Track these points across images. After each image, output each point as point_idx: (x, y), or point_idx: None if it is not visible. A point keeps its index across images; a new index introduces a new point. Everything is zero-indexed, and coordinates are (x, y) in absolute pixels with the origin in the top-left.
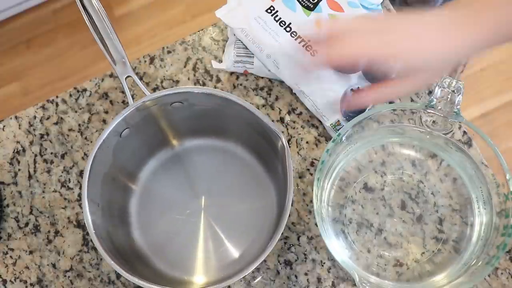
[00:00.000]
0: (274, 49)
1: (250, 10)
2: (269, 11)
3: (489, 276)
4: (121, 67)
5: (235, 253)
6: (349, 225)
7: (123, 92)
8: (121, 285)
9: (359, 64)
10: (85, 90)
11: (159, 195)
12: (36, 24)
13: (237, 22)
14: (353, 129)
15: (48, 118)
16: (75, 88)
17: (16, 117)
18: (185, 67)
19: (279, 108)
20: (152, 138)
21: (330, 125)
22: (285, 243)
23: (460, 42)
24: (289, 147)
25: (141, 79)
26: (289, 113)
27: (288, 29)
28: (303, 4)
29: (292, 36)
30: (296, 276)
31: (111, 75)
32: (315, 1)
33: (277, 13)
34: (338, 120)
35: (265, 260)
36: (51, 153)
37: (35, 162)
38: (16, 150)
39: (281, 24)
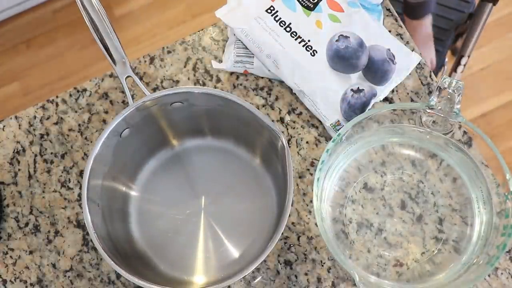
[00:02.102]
0: (274, 49)
1: (250, 10)
2: (269, 11)
3: (489, 276)
4: (121, 67)
5: (235, 253)
6: (349, 225)
7: (123, 92)
8: (121, 285)
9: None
10: (85, 90)
11: (159, 195)
12: (36, 24)
13: (237, 22)
14: (353, 129)
15: (48, 118)
16: (75, 88)
17: (16, 117)
18: (185, 67)
19: (279, 108)
20: (152, 138)
21: (330, 125)
22: (285, 243)
23: None
24: (289, 147)
25: (141, 79)
26: (289, 113)
27: (288, 29)
28: (303, 4)
29: (292, 36)
30: (296, 276)
31: (111, 75)
32: (315, 1)
33: (277, 13)
34: (338, 120)
35: (265, 260)
36: (51, 153)
37: (35, 162)
38: (16, 150)
39: (281, 24)
